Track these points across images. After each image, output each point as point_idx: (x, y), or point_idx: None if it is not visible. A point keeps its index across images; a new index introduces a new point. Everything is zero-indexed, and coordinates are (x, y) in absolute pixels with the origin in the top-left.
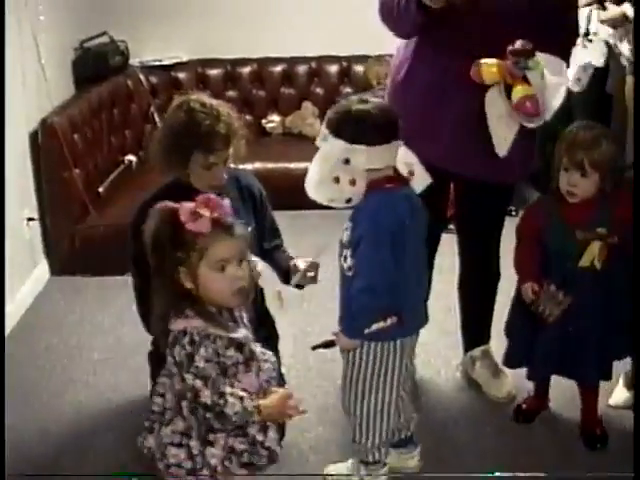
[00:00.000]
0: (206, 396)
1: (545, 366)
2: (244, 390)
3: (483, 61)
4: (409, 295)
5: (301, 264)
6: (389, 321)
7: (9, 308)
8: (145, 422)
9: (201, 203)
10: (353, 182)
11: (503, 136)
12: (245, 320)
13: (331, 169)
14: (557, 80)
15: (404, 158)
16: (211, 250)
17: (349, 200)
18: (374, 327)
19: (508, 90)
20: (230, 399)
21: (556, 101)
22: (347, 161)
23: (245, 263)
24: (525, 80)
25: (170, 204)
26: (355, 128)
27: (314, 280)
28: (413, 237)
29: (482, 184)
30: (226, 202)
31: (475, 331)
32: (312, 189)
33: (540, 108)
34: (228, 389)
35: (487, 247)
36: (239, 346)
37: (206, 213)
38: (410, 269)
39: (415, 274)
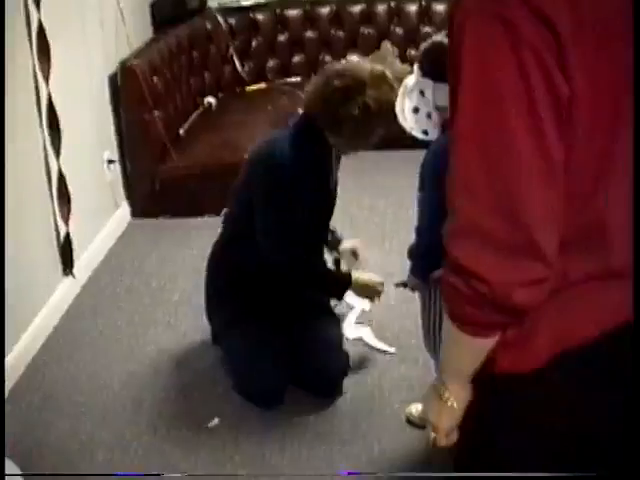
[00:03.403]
0: None
1: None
2: None
3: None
4: None
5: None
6: None
7: (90, 250)
8: None
9: None
10: (429, 115)
11: None
12: None
13: (411, 98)
14: None
15: None
16: None
17: (426, 132)
18: (436, 273)
19: None
20: None
21: None
22: (422, 93)
23: None
24: None
25: None
26: (426, 60)
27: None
28: None
29: None
30: None
31: None
32: (398, 114)
33: None
34: None
35: None
36: None
37: None
38: None
39: None
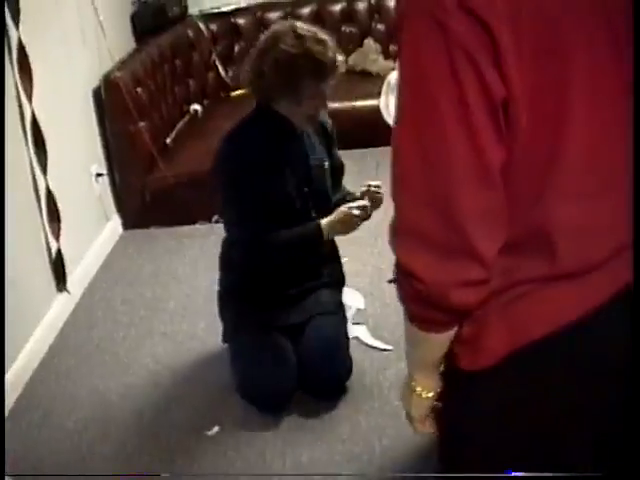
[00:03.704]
0: None
1: None
2: None
3: None
4: None
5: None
6: None
7: (83, 265)
8: None
9: None
10: None
11: None
12: None
13: (396, 94)
14: None
15: None
16: None
17: None
18: None
19: None
20: None
21: None
22: None
23: None
24: None
25: None
26: None
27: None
28: None
29: None
30: None
31: None
32: (383, 110)
33: None
34: None
35: None
36: None
37: None
38: None
39: None
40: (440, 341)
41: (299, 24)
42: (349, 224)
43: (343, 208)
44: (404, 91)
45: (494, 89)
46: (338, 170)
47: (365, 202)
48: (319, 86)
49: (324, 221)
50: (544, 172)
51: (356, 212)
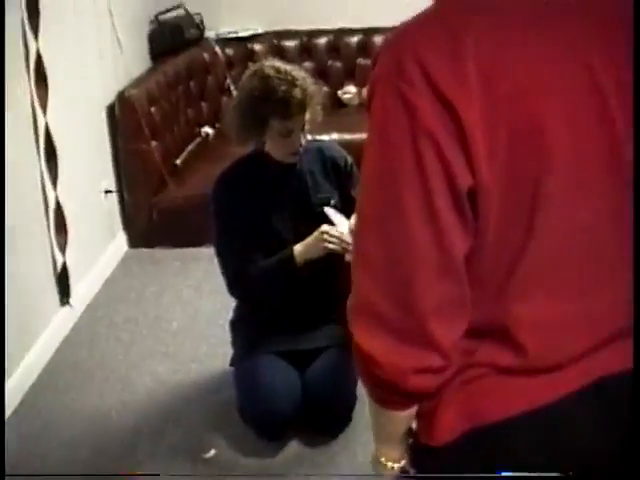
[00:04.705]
0: None
1: None
2: None
3: None
4: None
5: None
6: None
7: (87, 281)
8: None
9: None
10: None
11: None
12: None
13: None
14: None
15: None
16: None
17: None
18: None
19: None
20: None
21: None
22: None
23: None
24: None
25: None
26: None
27: None
28: None
29: None
30: None
31: None
32: None
33: None
34: None
35: None
36: None
37: None
38: None
39: None
40: (402, 417)
41: (270, 63)
42: (316, 247)
43: (317, 233)
44: (367, 165)
45: (460, 181)
46: None
47: (341, 230)
48: (287, 124)
49: (299, 245)
50: (510, 265)
51: (328, 239)
